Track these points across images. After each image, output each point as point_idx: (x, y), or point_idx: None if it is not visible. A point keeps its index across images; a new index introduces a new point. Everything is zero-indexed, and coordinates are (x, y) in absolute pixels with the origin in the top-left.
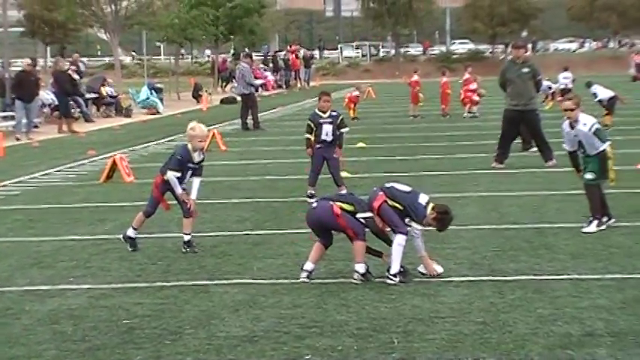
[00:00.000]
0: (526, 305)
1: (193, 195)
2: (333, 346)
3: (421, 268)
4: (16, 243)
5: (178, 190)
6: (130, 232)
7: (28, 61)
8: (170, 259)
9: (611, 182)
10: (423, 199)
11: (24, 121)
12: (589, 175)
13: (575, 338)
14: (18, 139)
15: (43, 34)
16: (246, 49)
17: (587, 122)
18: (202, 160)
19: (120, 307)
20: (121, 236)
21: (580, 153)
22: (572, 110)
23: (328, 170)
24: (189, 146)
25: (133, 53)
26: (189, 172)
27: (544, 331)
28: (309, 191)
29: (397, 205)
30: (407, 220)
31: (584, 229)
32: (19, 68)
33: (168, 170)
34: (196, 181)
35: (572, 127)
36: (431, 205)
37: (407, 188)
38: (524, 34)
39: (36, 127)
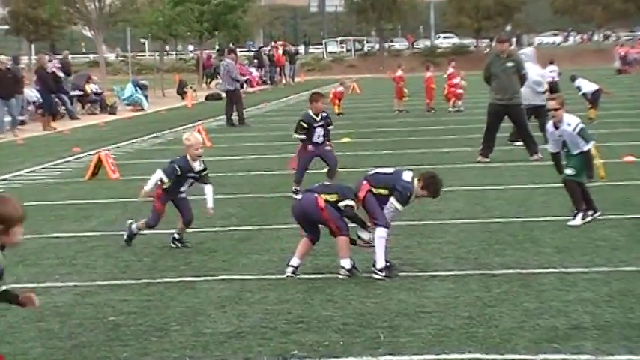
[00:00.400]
0: (512, 299)
1: (210, 204)
2: (319, 342)
3: (362, 233)
4: None
5: (149, 186)
6: (134, 228)
7: (5, 57)
8: (156, 256)
9: (601, 178)
10: (407, 175)
11: (7, 119)
12: (569, 171)
13: (561, 331)
14: (1, 138)
15: (27, 32)
16: (231, 45)
17: (571, 122)
18: (205, 169)
19: (106, 304)
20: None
21: (563, 152)
22: (556, 110)
23: (326, 164)
24: (188, 157)
25: (118, 50)
26: (190, 182)
27: (530, 325)
28: (294, 187)
29: (382, 190)
30: (391, 199)
31: (570, 223)
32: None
33: (159, 169)
34: (208, 190)
35: (556, 127)
36: (416, 178)
37: (390, 170)
38: (509, 28)
39: (22, 123)
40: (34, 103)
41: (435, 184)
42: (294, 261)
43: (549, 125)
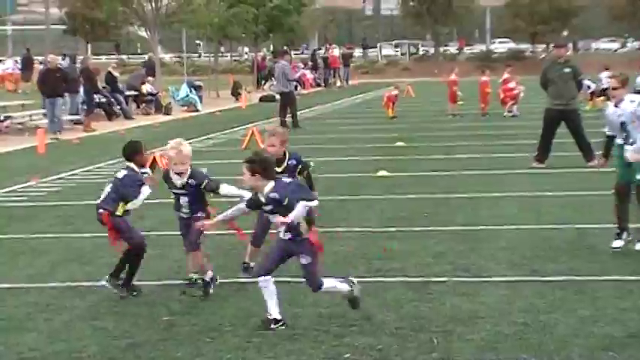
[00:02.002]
0: (567, 306)
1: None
2: (372, 345)
3: None
4: (57, 239)
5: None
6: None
7: (53, 56)
8: (209, 257)
9: None
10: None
11: (55, 119)
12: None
13: (617, 340)
14: (53, 139)
15: (84, 32)
16: (285, 47)
17: (635, 99)
18: (190, 184)
19: (160, 303)
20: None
21: (621, 140)
22: (615, 89)
23: None
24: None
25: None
26: (181, 198)
27: (585, 333)
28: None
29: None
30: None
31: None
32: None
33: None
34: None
35: (616, 105)
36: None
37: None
38: (565, 33)
39: (78, 123)
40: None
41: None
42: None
43: (609, 106)
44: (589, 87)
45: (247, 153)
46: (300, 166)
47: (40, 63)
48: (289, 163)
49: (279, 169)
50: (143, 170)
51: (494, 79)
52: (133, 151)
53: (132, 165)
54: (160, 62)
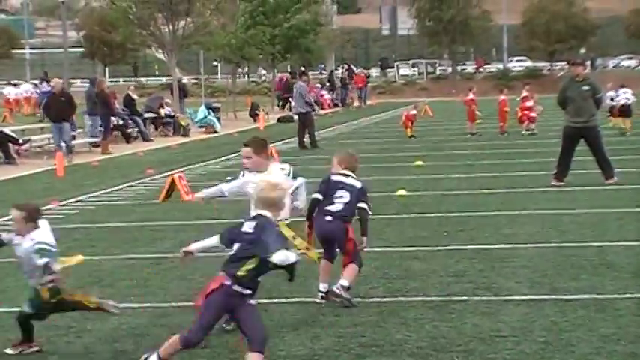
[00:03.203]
0: (588, 324)
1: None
2: None
3: None
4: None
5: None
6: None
7: (57, 80)
8: None
9: None
10: None
11: (62, 144)
12: None
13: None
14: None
15: (102, 55)
16: (302, 68)
17: None
18: None
19: (180, 325)
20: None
21: None
22: None
23: None
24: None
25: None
26: None
27: (607, 351)
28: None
29: None
30: None
31: None
32: (84, 88)
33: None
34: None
35: None
36: None
37: None
38: (583, 51)
39: (96, 146)
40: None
41: None
42: (322, 286)
43: None
44: (612, 99)
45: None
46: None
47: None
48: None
49: None
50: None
51: (512, 98)
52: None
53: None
54: (178, 84)
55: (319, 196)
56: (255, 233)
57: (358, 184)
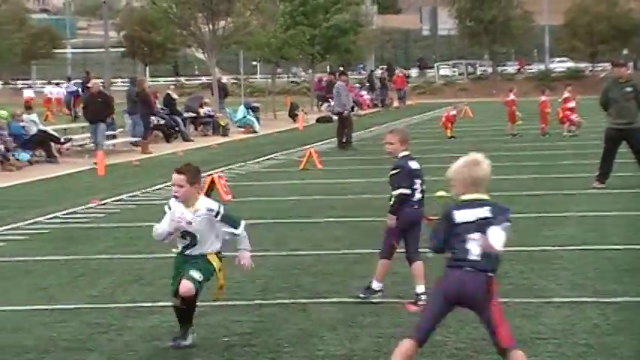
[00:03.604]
0: (631, 327)
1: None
2: None
3: None
4: (117, 260)
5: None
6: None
7: (94, 81)
8: (267, 278)
9: None
10: None
11: (107, 141)
12: None
13: None
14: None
15: (142, 55)
16: (341, 68)
17: None
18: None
19: (219, 324)
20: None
21: None
22: None
23: None
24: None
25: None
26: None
27: None
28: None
29: None
30: None
31: None
32: (124, 87)
33: None
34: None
35: None
36: None
37: None
38: (626, 52)
39: (137, 145)
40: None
41: None
42: (376, 285)
43: None
44: None
45: (305, 174)
46: (392, 171)
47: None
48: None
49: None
50: None
51: (553, 99)
52: None
53: None
54: (218, 84)
55: (408, 192)
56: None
57: (418, 166)
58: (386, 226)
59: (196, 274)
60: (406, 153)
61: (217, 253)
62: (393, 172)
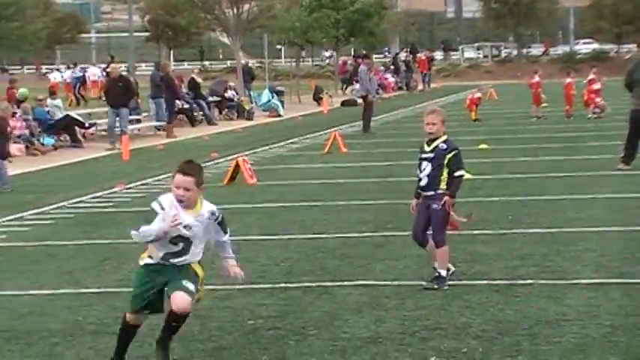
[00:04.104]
0: None
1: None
2: (457, 348)
3: None
4: (141, 244)
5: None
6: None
7: (114, 65)
8: (292, 261)
9: None
10: None
11: (115, 129)
12: None
13: None
14: (109, 149)
15: (166, 39)
16: (364, 51)
17: None
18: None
19: (244, 307)
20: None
21: None
22: None
23: None
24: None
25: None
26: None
27: None
28: None
29: None
30: None
31: None
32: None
33: None
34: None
35: None
36: None
37: None
38: None
39: (162, 129)
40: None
41: None
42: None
43: None
44: None
45: (330, 157)
46: (451, 152)
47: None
48: (440, 145)
49: (427, 148)
50: None
51: (578, 81)
52: None
53: None
54: (242, 68)
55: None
56: None
57: None
58: (448, 208)
59: (190, 285)
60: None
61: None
62: (453, 152)
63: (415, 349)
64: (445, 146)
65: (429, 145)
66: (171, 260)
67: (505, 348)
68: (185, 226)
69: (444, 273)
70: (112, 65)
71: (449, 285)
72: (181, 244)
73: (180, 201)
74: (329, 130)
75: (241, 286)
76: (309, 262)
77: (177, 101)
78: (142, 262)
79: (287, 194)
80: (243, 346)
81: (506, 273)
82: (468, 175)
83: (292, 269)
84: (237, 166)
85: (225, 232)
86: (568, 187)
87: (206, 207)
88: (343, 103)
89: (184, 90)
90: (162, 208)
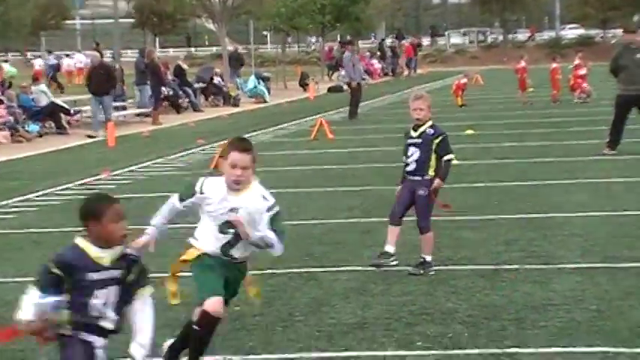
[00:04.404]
0: None
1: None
2: (443, 333)
3: None
4: (129, 231)
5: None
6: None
7: (93, 53)
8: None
9: None
10: None
11: (99, 116)
12: None
13: None
14: (91, 137)
15: (152, 25)
16: (349, 38)
17: None
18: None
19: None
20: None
21: None
22: None
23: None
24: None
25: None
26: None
27: None
28: None
29: None
30: None
31: None
32: (134, 58)
33: None
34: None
35: None
36: None
37: None
38: (637, 18)
39: (147, 116)
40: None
41: None
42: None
43: None
44: None
45: (316, 144)
46: (438, 137)
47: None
48: (427, 130)
49: (414, 134)
50: None
51: (564, 66)
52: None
53: None
54: (228, 54)
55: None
56: None
57: None
58: (435, 194)
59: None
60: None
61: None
62: (440, 137)
63: (401, 334)
64: (432, 131)
65: (415, 131)
66: (231, 252)
67: (491, 333)
68: (232, 209)
69: (429, 258)
70: (92, 53)
71: (435, 270)
72: (232, 232)
73: (237, 182)
74: (315, 117)
75: None
76: (295, 248)
77: (162, 88)
78: (193, 257)
79: (273, 180)
80: (230, 332)
81: (492, 258)
82: (455, 161)
83: (279, 255)
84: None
85: (281, 241)
86: (554, 172)
87: (258, 189)
88: (329, 90)
89: (170, 77)
90: (202, 192)
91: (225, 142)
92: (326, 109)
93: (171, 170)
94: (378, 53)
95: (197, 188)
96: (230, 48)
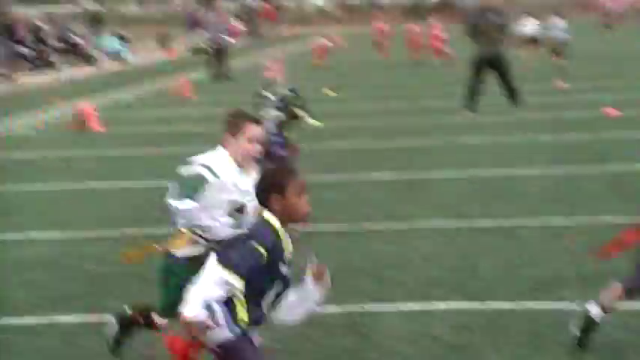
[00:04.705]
0: (496, 251)
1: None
2: None
3: None
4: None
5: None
6: None
7: None
8: (134, 206)
9: None
10: None
11: None
12: None
13: (542, 280)
14: None
15: None
16: None
17: None
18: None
19: (90, 255)
20: None
21: None
22: None
23: None
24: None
25: None
26: None
27: (512, 275)
28: None
29: None
30: None
31: None
32: None
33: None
34: None
35: None
36: None
37: None
38: None
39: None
40: None
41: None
42: None
43: None
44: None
45: (180, 103)
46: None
47: None
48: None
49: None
50: None
51: (423, 29)
52: None
53: None
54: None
55: None
56: None
57: None
58: None
59: None
60: None
61: None
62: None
63: None
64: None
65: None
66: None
67: (349, 290)
68: (244, 192)
69: None
70: None
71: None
72: (241, 214)
73: (257, 160)
74: (177, 76)
75: (87, 236)
76: (153, 207)
77: (19, 46)
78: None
79: (131, 137)
80: (90, 292)
81: (353, 218)
82: (317, 123)
83: (133, 214)
84: (83, 112)
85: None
86: (415, 133)
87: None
88: (192, 51)
89: (27, 35)
90: (217, 176)
91: (229, 115)
92: (188, 70)
93: (27, 129)
94: (241, 15)
95: (209, 176)
96: (89, 7)
